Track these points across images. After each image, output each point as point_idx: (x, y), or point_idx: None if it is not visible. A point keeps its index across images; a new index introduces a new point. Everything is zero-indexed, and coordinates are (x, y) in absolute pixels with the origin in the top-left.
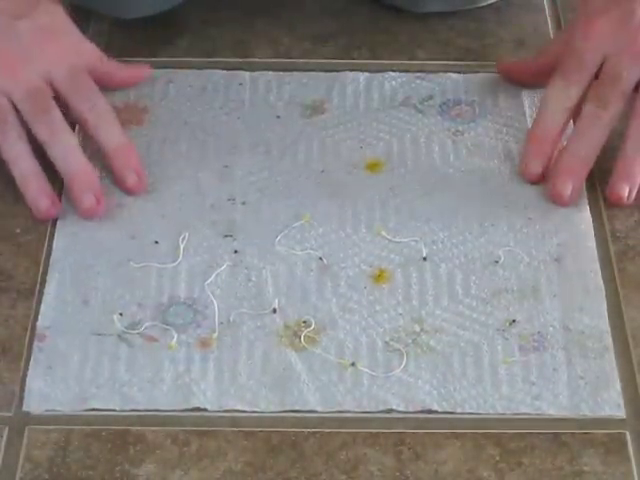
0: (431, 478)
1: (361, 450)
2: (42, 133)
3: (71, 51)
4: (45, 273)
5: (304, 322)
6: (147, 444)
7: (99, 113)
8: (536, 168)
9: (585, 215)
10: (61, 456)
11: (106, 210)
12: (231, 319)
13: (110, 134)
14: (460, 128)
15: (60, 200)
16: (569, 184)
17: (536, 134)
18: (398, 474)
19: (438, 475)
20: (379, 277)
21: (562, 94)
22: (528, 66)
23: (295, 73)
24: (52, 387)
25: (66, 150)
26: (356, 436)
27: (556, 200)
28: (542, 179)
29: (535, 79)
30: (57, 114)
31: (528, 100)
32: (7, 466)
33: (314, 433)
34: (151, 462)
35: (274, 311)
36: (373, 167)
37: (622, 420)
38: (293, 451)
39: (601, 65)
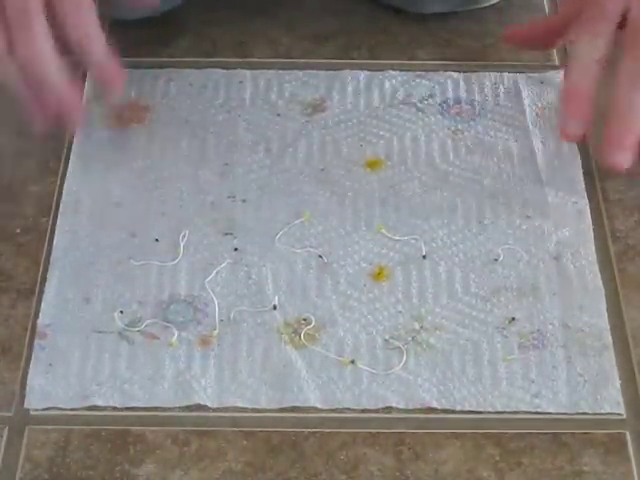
0: (431, 478)
1: (361, 450)
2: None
3: None
4: (45, 273)
5: (304, 320)
6: (147, 444)
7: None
8: (576, 129)
9: (585, 213)
10: (61, 456)
11: (106, 208)
12: (231, 317)
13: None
14: (460, 127)
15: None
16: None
17: (570, 92)
18: (398, 474)
19: (438, 475)
20: (379, 275)
21: (589, 46)
22: (537, 27)
23: (296, 71)
24: (53, 384)
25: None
26: (356, 436)
27: (613, 168)
28: (583, 140)
29: (545, 40)
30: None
31: (528, 99)
32: (7, 466)
33: (314, 433)
34: (151, 462)
35: (274, 307)
36: (373, 165)
37: (622, 420)
38: (293, 451)
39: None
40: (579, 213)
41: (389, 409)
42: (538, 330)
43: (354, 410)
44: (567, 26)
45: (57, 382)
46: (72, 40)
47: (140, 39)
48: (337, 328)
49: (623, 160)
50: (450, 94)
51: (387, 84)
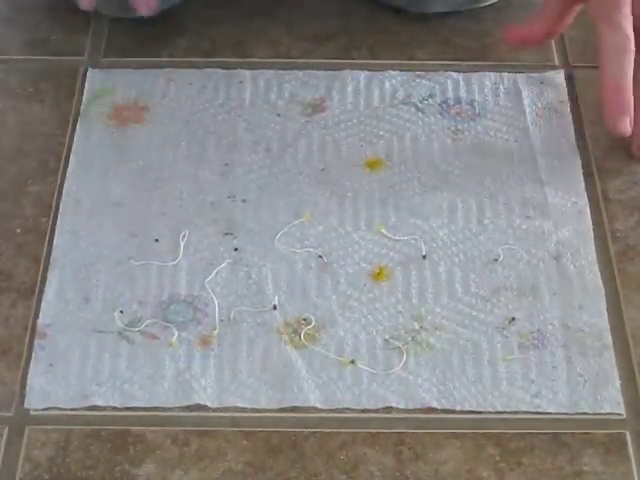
0: (431, 478)
1: (361, 450)
2: None
3: None
4: (45, 273)
5: (304, 320)
6: (147, 444)
7: None
8: (625, 126)
9: (585, 213)
10: (61, 456)
11: (105, 208)
12: (231, 317)
13: None
14: (460, 127)
15: None
16: None
17: (610, 87)
18: (398, 474)
19: (438, 475)
20: (379, 275)
21: (617, 37)
22: (537, 26)
23: (295, 71)
24: (53, 384)
25: None
26: (356, 436)
27: None
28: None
29: (546, 36)
30: None
31: (528, 99)
32: (7, 466)
33: (314, 433)
34: (151, 462)
35: (274, 307)
36: (373, 165)
37: (622, 420)
38: (293, 451)
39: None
40: (579, 213)
41: (389, 409)
42: (538, 330)
43: (354, 410)
44: (563, 15)
45: (57, 382)
46: None
47: (140, 39)
48: (337, 328)
49: None
50: (450, 94)
51: (387, 84)
